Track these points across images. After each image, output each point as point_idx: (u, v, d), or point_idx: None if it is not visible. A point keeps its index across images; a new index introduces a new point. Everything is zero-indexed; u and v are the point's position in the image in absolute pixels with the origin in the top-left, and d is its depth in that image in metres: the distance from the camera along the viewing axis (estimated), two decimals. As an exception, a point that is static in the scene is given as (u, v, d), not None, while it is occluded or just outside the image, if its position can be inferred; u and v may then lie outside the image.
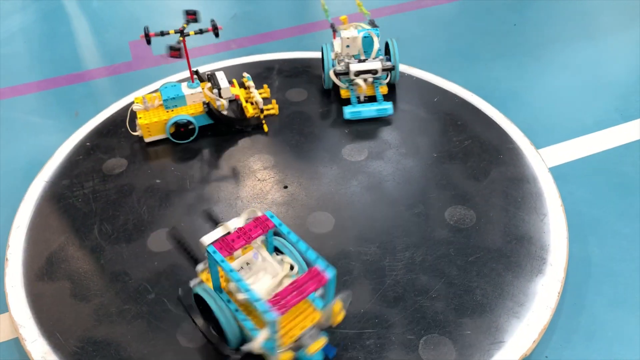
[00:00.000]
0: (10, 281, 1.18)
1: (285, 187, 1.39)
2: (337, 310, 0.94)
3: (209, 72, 1.59)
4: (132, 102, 1.70)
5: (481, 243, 1.22)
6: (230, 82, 1.67)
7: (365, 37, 1.64)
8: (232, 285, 0.98)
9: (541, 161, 1.42)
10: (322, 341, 0.93)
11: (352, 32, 1.61)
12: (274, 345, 0.88)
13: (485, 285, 1.13)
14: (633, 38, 2.02)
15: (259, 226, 0.94)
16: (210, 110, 1.51)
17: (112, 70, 1.98)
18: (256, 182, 1.40)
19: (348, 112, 1.58)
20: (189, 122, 1.51)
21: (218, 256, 0.90)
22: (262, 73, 1.82)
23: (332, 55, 1.65)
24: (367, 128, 1.56)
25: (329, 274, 0.87)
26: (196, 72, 1.59)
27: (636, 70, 1.85)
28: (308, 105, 1.66)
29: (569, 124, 1.63)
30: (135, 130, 1.57)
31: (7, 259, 1.23)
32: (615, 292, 1.17)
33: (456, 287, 1.13)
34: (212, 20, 1.47)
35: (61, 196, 1.38)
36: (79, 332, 1.08)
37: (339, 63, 1.63)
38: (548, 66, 1.88)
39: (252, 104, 1.63)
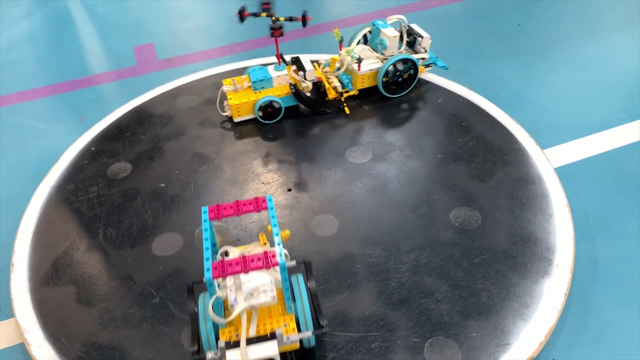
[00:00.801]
0: (16, 286, 1.19)
1: (289, 189, 1.39)
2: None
3: (294, 57, 1.64)
4: (137, 106, 1.71)
5: (486, 244, 1.21)
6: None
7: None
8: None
9: (546, 161, 1.41)
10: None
11: (392, 31, 1.62)
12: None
13: (491, 287, 1.12)
14: (638, 37, 2.01)
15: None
16: (297, 91, 1.57)
17: (117, 75, 1.98)
18: (260, 185, 1.40)
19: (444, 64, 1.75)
20: (277, 103, 1.57)
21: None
22: (266, 76, 1.82)
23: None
24: (371, 130, 1.56)
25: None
26: (281, 56, 1.63)
27: (643, 69, 1.84)
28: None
29: (574, 123, 1.62)
30: (224, 111, 1.64)
31: (12, 265, 1.23)
32: (622, 293, 1.16)
33: (461, 289, 1.12)
34: (304, 11, 1.54)
35: (66, 201, 1.39)
36: (83, 336, 1.08)
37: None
38: (553, 66, 1.87)
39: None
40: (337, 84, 1.65)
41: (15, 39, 2.25)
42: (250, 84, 1.60)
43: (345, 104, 1.65)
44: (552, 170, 1.39)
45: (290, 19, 1.54)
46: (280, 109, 1.59)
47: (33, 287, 1.18)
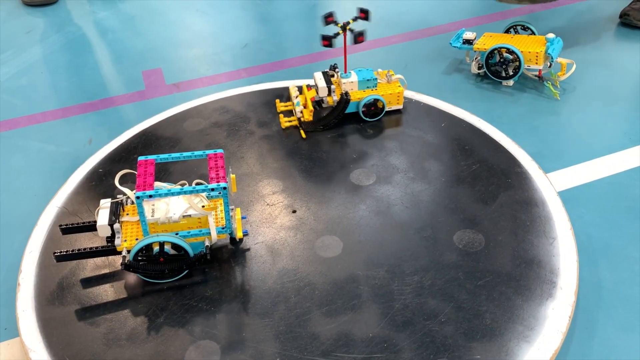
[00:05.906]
0: (22, 305, 1.19)
1: (294, 211, 1.40)
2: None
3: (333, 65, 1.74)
4: (145, 129, 1.74)
5: (490, 267, 1.22)
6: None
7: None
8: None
9: (550, 185, 1.42)
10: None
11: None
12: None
13: (495, 309, 1.12)
14: (640, 63, 2.04)
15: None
16: (341, 99, 1.65)
17: (125, 98, 2.02)
18: (265, 207, 1.41)
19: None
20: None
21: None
22: (271, 100, 1.85)
23: None
24: (375, 153, 1.58)
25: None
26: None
27: (644, 95, 1.86)
28: (316, 131, 1.68)
29: (577, 148, 1.63)
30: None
31: (19, 284, 1.24)
32: (627, 317, 1.16)
33: (465, 311, 1.12)
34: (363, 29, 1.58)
35: (73, 222, 1.40)
36: (88, 356, 1.08)
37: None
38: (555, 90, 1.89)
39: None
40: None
41: (26, 64, 2.29)
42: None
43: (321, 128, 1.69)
44: (556, 194, 1.40)
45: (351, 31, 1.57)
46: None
47: (38, 306, 1.19)
